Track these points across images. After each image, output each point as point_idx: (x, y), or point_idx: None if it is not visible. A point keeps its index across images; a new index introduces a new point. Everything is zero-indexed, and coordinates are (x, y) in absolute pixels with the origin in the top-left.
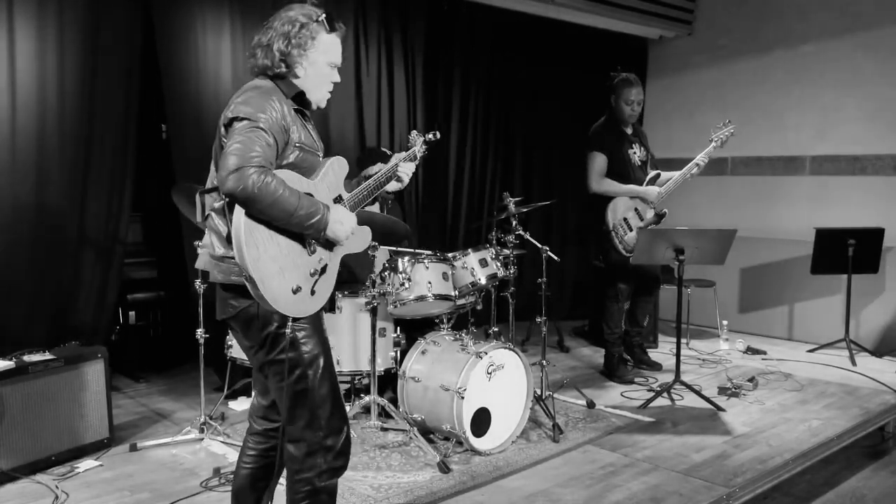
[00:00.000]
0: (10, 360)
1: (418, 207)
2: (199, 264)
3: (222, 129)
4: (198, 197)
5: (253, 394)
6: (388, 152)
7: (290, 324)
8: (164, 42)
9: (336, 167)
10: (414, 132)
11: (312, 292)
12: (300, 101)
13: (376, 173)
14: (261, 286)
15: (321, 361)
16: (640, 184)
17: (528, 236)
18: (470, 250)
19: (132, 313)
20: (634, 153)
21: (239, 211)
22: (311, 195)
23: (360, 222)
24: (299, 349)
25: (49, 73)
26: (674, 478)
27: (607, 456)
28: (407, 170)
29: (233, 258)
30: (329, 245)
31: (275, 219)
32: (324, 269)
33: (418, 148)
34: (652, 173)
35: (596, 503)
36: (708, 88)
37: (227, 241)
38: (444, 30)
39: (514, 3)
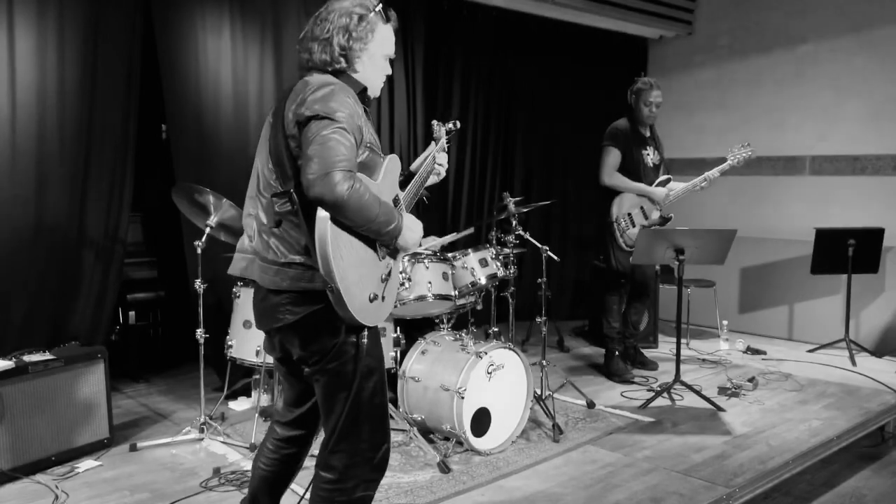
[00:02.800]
0: (10, 360)
1: (418, 207)
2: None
3: (291, 126)
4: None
5: (272, 397)
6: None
7: (365, 333)
8: (164, 42)
9: (392, 166)
10: (435, 122)
11: (383, 298)
12: (361, 97)
13: (417, 169)
14: (345, 295)
15: (377, 375)
16: (651, 185)
17: (528, 236)
18: (470, 250)
19: (132, 313)
20: (648, 155)
21: (323, 217)
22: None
23: None
24: (362, 361)
25: (49, 73)
26: (674, 478)
27: (607, 456)
28: (443, 161)
29: (302, 264)
30: (393, 251)
31: (357, 225)
32: (389, 274)
33: (444, 136)
34: (663, 178)
35: (596, 503)
36: (708, 88)
37: (294, 247)
38: (444, 29)
39: (514, 3)
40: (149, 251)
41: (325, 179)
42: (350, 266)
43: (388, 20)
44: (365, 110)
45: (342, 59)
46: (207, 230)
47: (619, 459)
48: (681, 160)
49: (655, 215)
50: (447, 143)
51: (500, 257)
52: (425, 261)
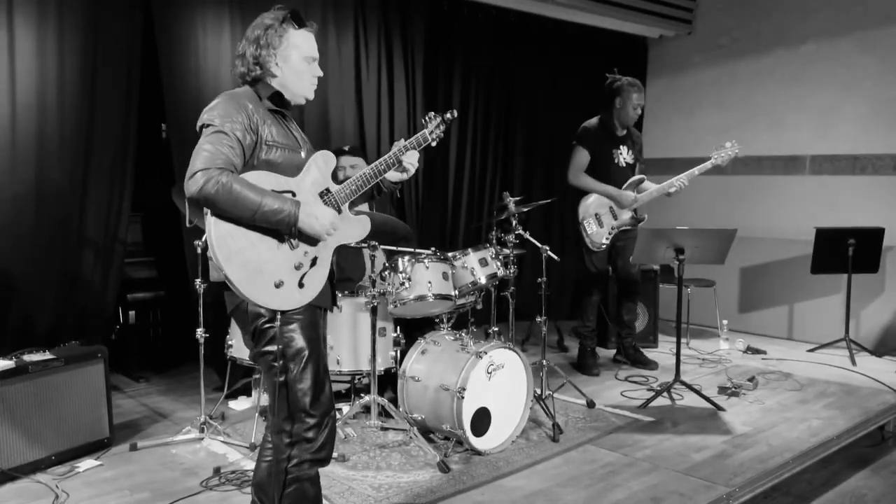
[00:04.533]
0: (10, 359)
1: (418, 207)
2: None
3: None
4: (187, 202)
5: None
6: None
7: (278, 317)
8: (164, 42)
9: (320, 161)
10: (431, 113)
11: (301, 285)
12: (279, 102)
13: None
14: (237, 284)
15: (305, 355)
16: (620, 185)
17: (528, 236)
18: (470, 250)
19: (132, 313)
20: (620, 154)
21: (209, 213)
22: (281, 192)
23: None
24: (284, 343)
25: (49, 73)
26: (674, 477)
27: (607, 456)
28: (411, 159)
29: None
30: (310, 239)
31: (239, 216)
32: (314, 262)
33: (429, 130)
34: (635, 178)
35: (596, 503)
36: (708, 88)
37: None
38: (444, 29)
39: (514, 3)
40: (149, 251)
41: (190, 181)
42: (244, 255)
43: (301, 26)
44: (283, 114)
45: (257, 68)
46: None
47: (618, 459)
48: (681, 160)
49: (626, 216)
50: (441, 133)
51: (500, 257)
52: (425, 261)
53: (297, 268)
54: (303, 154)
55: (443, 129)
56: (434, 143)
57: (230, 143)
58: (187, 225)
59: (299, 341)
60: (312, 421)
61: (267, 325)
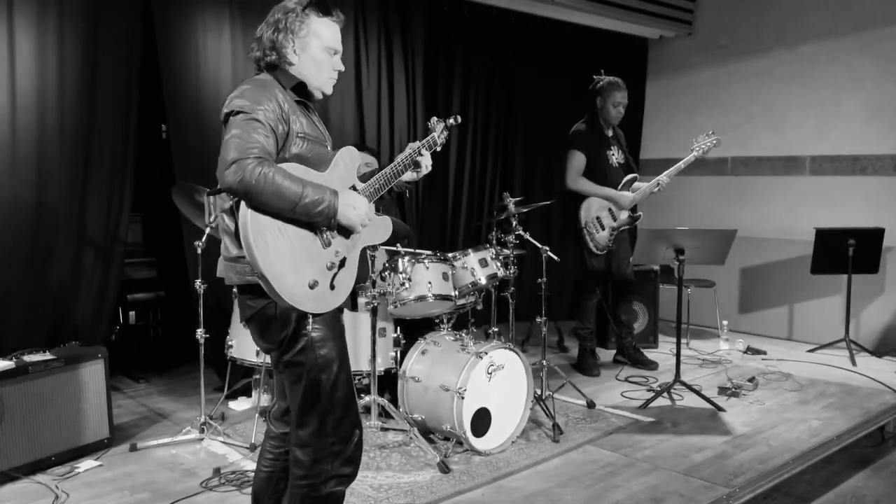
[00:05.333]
0: (10, 360)
1: (418, 207)
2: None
3: (223, 126)
4: (206, 199)
5: (272, 397)
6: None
7: (309, 323)
8: (164, 42)
9: (347, 157)
10: (434, 118)
11: (332, 286)
12: (302, 92)
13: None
14: (274, 283)
15: (335, 366)
16: (617, 186)
17: (528, 236)
18: (470, 250)
19: (132, 313)
20: (613, 155)
21: (244, 206)
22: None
23: None
24: (315, 352)
25: (49, 73)
26: (674, 478)
27: (607, 456)
28: (427, 160)
29: (245, 257)
30: (346, 234)
31: (279, 210)
32: (342, 263)
33: (438, 133)
34: (629, 177)
35: (596, 503)
36: (707, 88)
37: (238, 240)
38: (444, 30)
39: (514, 3)
40: (149, 251)
41: (228, 170)
42: (281, 253)
43: (325, 14)
44: (307, 105)
45: (272, 53)
46: (207, 230)
47: (619, 459)
48: (680, 160)
49: (624, 216)
50: (445, 138)
51: (501, 257)
52: (425, 261)
53: (329, 268)
54: (329, 148)
55: (447, 135)
56: (439, 149)
57: (265, 131)
58: (209, 224)
59: (332, 350)
60: (344, 433)
61: (299, 332)
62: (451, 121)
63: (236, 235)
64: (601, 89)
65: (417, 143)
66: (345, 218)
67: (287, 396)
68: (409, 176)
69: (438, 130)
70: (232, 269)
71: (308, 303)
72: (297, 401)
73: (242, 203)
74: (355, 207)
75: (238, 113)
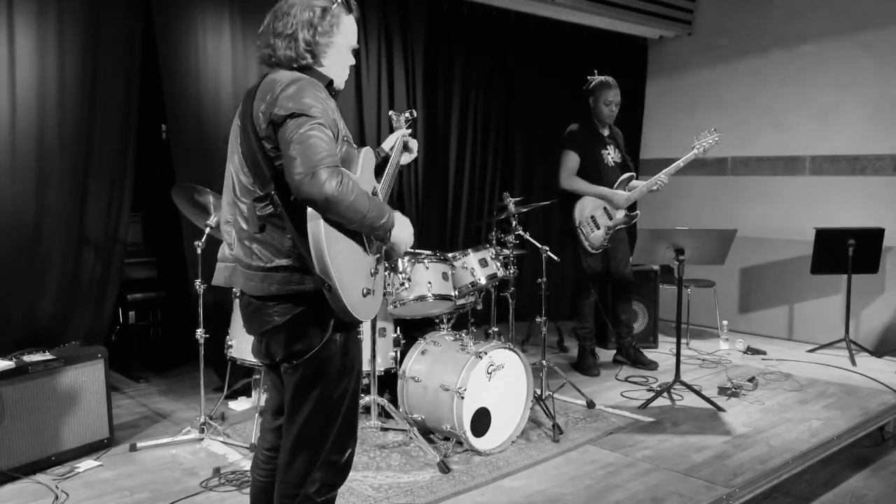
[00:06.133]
0: (10, 360)
1: (418, 207)
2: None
3: (264, 127)
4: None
5: (265, 408)
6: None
7: (346, 333)
8: (164, 42)
9: (368, 159)
10: (392, 112)
11: (373, 292)
12: (328, 90)
13: (387, 154)
14: (343, 293)
15: (353, 376)
16: (612, 185)
17: (528, 236)
18: (470, 250)
19: (132, 313)
20: (608, 154)
21: (315, 217)
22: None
23: None
24: (340, 360)
25: (49, 73)
26: (674, 478)
27: (607, 456)
28: (413, 145)
29: (288, 267)
30: (380, 245)
31: (350, 221)
32: (376, 268)
33: (405, 128)
34: (625, 176)
35: (596, 503)
36: (707, 88)
37: (280, 251)
38: (443, 30)
39: (514, 3)
40: (149, 251)
41: (313, 179)
42: (343, 263)
43: (350, 11)
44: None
45: (308, 55)
46: (207, 230)
47: (619, 459)
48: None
49: (620, 214)
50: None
51: (500, 257)
52: (425, 261)
53: (372, 274)
54: (355, 147)
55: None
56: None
57: (329, 136)
58: (208, 224)
59: (353, 359)
60: (341, 443)
61: (334, 340)
62: (407, 114)
63: (293, 245)
64: (593, 89)
65: (400, 131)
66: (395, 237)
67: (286, 396)
68: (405, 159)
69: (403, 123)
70: (268, 280)
71: (363, 311)
72: (305, 406)
73: (310, 213)
74: (405, 227)
75: (299, 116)
